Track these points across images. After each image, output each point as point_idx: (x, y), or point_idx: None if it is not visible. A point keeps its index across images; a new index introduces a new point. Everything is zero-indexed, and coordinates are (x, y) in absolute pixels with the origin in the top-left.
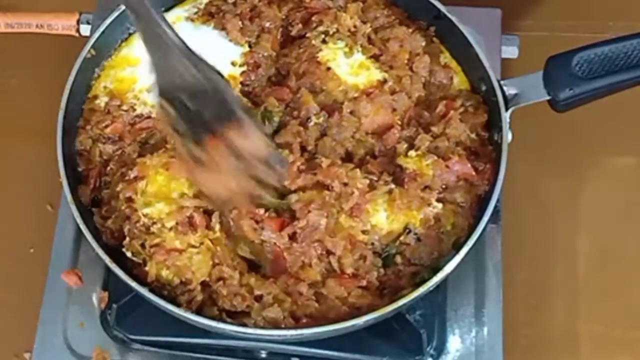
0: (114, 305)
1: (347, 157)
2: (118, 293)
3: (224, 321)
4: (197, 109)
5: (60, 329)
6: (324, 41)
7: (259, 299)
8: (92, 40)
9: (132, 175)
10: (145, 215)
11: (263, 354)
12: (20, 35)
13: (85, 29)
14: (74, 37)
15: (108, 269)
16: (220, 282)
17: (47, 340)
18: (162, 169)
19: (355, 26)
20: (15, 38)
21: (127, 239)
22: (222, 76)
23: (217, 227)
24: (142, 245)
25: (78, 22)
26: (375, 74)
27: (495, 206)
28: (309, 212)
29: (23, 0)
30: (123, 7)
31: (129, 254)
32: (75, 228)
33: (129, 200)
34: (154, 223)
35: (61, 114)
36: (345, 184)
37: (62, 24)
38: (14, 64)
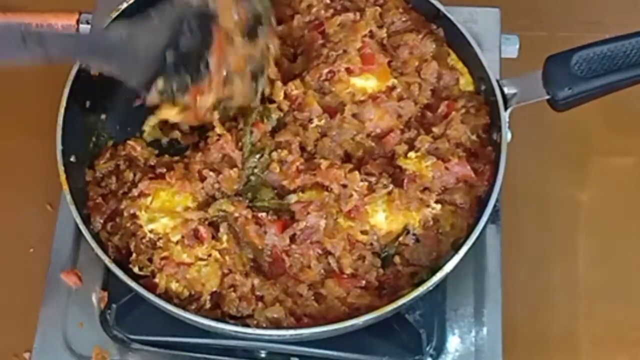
0: (114, 305)
1: (346, 158)
2: (117, 293)
3: (224, 321)
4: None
5: (60, 328)
6: None
7: (260, 299)
8: None
9: (135, 193)
10: (150, 231)
11: (263, 354)
12: None
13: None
14: None
15: (107, 269)
16: (231, 289)
17: (46, 340)
18: (166, 186)
19: (371, 32)
20: None
21: (134, 254)
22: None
23: (225, 237)
24: (150, 260)
25: (78, 22)
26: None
27: (495, 206)
28: (308, 213)
29: (23, 0)
30: (123, 7)
31: (135, 270)
32: (75, 228)
33: (134, 216)
34: (159, 238)
35: (61, 113)
36: (345, 186)
37: (62, 24)
38: (13, 64)
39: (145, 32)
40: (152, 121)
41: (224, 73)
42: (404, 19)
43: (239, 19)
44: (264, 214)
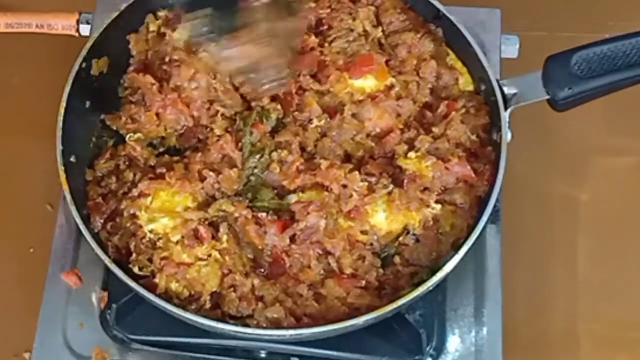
0: (114, 305)
1: (346, 158)
2: (117, 293)
3: (224, 321)
4: None
5: (60, 329)
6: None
7: (260, 299)
8: (92, 40)
9: (135, 193)
10: (150, 231)
11: (263, 354)
12: (20, 35)
13: (85, 29)
14: (74, 37)
15: (107, 269)
16: (231, 289)
17: (46, 340)
18: (166, 186)
19: (365, 31)
20: (15, 38)
21: (134, 254)
22: None
23: (225, 237)
24: (150, 260)
25: (78, 22)
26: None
27: (495, 206)
28: (308, 213)
29: (23, 0)
30: (123, 7)
31: (135, 270)
32: (75, 228)
33: (133, 216)
34: (159, 238)
35: (61, 113)
36: (345, 186)
37: (62, 24)
38: (14, 64)
39: None
40: (134, 137)
41: (262, 30)
42: (402, 18)
43: None
44: (264, 214)
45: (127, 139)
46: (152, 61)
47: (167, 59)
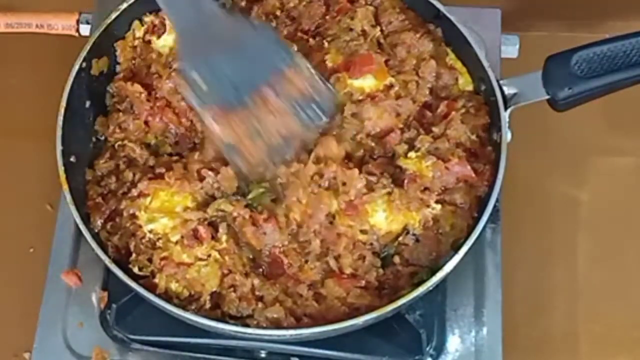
0: (114, 305)
1: (346, 158)
2: (117, 293)
3: (224, 321)
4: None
5: (60, 328)
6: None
7: (260, 299)
8: (92, 40)
9: (135, 193)
10: (150, 232)
11: (263, 354)
12: (20, 35)
13: (85, 29)
14: (74, 37)
15: (107, 269)
16: (231, 289)
17: (46, 340)
18: (165, 186)
19: (364, 30)
20: (15, 38)
21: (134, 255)
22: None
23: (224, 237)
24: (150, 260)
25: (78, 22)
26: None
27: (495, 206)
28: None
29: (23, 0)
30: (123, 7)
31: (135, 270)
32: (75, 228)
33: (133, 216)
34: (159, 238)
35: (61, 113)
36: (344, 184)
37: (62, 24)
38: (14, 64)
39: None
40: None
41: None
42: (401, 18)
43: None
44: (261, 216)
45: (115, 146)
46: (139, 69)
47: (152, 68)
